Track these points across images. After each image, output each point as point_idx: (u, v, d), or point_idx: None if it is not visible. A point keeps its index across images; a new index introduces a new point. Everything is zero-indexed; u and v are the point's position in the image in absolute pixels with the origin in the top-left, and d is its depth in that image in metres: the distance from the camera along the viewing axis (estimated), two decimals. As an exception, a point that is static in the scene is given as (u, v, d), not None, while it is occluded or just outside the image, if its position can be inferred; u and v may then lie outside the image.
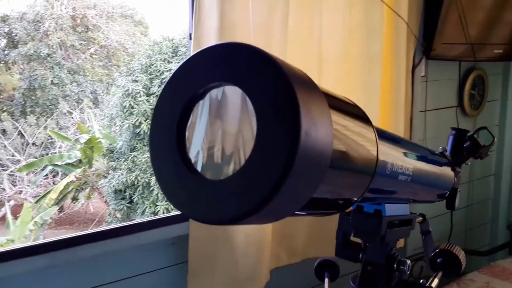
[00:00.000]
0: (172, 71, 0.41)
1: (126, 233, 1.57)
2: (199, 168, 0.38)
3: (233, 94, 0.37)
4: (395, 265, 0.70)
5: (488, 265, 2.28)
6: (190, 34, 1.54)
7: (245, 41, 1.51)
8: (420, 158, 0.71)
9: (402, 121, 2.09)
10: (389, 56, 1.94)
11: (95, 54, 10.21)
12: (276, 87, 0.35)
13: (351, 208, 0.65)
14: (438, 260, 0.81)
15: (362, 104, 1.93)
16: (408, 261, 0.70)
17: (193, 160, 0.39)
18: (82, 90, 9.87)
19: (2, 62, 9.78)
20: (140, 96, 6.62)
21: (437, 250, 0.82)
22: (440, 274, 0.79)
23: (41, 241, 1.46)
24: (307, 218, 1.86)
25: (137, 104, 6.63)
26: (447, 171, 0.84)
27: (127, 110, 6.71)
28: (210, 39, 1.51)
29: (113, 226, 1.63)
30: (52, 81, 9.63)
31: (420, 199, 0.78)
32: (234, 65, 0.37)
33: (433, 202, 0.86)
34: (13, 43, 9.64)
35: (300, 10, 1.66)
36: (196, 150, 0.39)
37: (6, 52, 9.72)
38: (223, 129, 0.38)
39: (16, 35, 9.58)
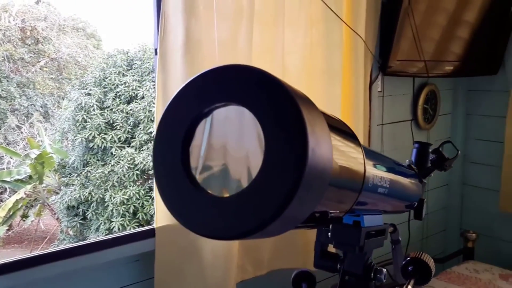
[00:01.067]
0: (178, 90, 0.42)
1: (89, 251, 1.54)
2: (204, 185, 0.39)
3: (239, 114, 0.39)
4: (372, 274, 0.72)
5: (444, 271, 2.37)
6: (156, 50, 1.54)
7: (210, 56, 1.54)
8: (394, 171, 0.75)
9: (361, 134, 2.15)
10: (349, 72, 2.01)
11: (46, 67, 9.93)
12: (285, 108, 0.36)
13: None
14: (409, 268, 0.85)
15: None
16: (384, 270, 0.73)
17: (197, 177, 0.40)
18: (32, 104, 9.56)
19: None
20: (93, 110, 6.48)
21: (408, 258, 0.86)
22: (412, 281, 0.82)
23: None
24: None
25: (90, 118, 6.47)
26: (415, 182, 0.88)
27: (79, 124, 6.54)
28: (176, 55, 1.52)
29: (75, 244, 1.60)
30: (0, 95, 9.28)
31: (394, 209, 0.81)
32: (242, 87, 0.38)
33: (403, 212, 0.90)
34: (-43, 55, 9.25)
35: (264, 27, 1.70)
36: (201, 167, 0.40)
37: (-51, 64, 9.31)
38: (228, 148, 0.39)
39: (-41, 47, 9.20)
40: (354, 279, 0.72)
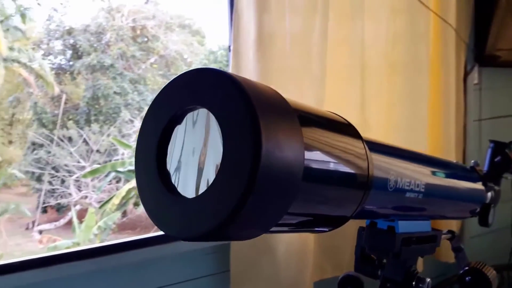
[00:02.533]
0: (155, 95, 0.43)
1: (167, 241, 1.61)
2: (177, 187, 0.40)
3: (205, 116, 0.39)
4: (413, 283, 0.68)
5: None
6: (229, 47, 1.56)
7: (282, 52, 1.53)
8: (436, 174, 0.69)
9: (453, 131, 2.02)
10: (437, 64, 1.89)
11: (155, 64, 10.54)
12: (238, 107, 0.35)
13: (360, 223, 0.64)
14: (466, 278, 0.78)
15: (409, 114, 1.89)
16: (428, 280, 0.68)
17: (173, 180, 0.40)
18: (143, 99, 10.22)
19: (68, 73, 10.30)
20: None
21: (466, 268, 0.79)
22: (468, 293, 0.76)
23: (86, 246, 1.53)
24: (352, 231, 1.83)
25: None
26: (473, 186, 0.81)
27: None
28: (248, 51, 1.53)
29: (154, 234, 1.68)
30: (114, 91, 10.04)
31: (440, 215, 0.75)
32: (204, 89, 0.38)
33: (464, 218, 0.83)
34: (77, 54, 10.14)
35: (340, 19, 1.65)
36: (173, 170, 0.40)
37: (71, 63, 10.24)
38: (197, 150, 0.39)
39: (80, 47, 10.07)
40: (395, 286, 0.68)
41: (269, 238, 1.64)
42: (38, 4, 9.59)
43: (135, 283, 1.57)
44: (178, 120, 0.41)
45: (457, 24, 1.88)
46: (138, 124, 9.72)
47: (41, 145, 9.67)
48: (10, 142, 10.22)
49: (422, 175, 0.62)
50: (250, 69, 1.54)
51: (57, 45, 10.46)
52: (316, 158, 0.42)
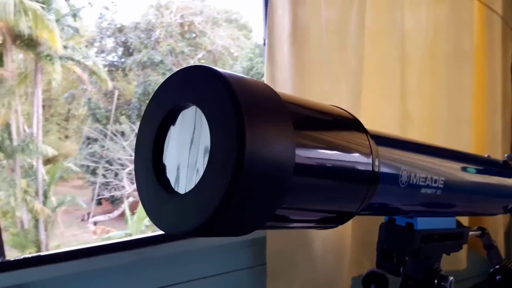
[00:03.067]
0: (152, 93, 0.44)
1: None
2: (172, 184, 0.40)
3: (196, 113, 0.39)
4: (435, 281, 0.66)
5: None
6: (264, 41, 1.56)
7: (318, 45, 1.51)
8: (458, 169, 0.66)
9: (500, 124, 1.93)
10: (482, 54, 1.81)
11: (203, 59, 10.69)
12: (224, 104, 0.35)
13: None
14: (497, 277, 0.75)
15: (452, 107, 1.81)
16: (451, 278, 0.66)
17: (168, 177, 0.41)
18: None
19: (120, 70, 10.61)
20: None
21: (497, 266, 0.76)
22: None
23: (125, 238, 1.58)
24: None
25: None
26: (505, 181, 0.77)
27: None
28: (283, 45, 1.52)
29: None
30: (164, 86, 10.24)
31: (467, 212, 0.72)
32: (194, 86, 0.38)
33: (495, 215, 0.80)
34: (128, 51, 10.43)
35: (379, 7, 1.61)
36: (168, 167, 0.41)
37: (122, 60, 10.55)
38: (188, 147, 0.39)
39: (131, 44, 10.36)
40: (417, 284, 0.66)
41: (305, 233, 1.63)
42: (89, 3, 9.92)
43: (174, 274, 1.61)
44: (172, 118, 0.41)
45: (504, 11, 1.79)
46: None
47: (96, 140, 10.05)
48: (66, 136, 10.67)
49: (440, 170, 0.60)
50: (285, 63, 1.54)
51: (109, 42, 10.81)
52: (309, 153, 0.41)
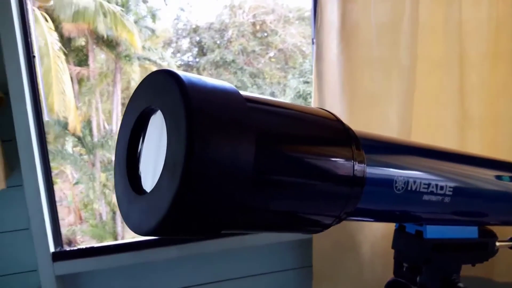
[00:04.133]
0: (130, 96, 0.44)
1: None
2: (141, 185, 0.41)
3: (160, 116, 0.39)
4: (452, 292, 0.61)
5: None
6: (313, 39, 1.54)
7: (367, 42, 1.47)
8: (470, 175, 0.60)
9: None
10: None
11: (273, 58, 10.73)
12: (178, 106, 0.35)
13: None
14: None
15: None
16: (468, 289, 0.61)
17: (139, 177, 0.41)
18: (261, 93, 10.48)
19: (195, 69, 10.91)
20: (310, 98, 6.77)
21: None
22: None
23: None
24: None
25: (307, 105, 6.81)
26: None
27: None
28: (331, 42, 1.49)
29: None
30: (235, 85, 10.43)
31: (488, 220, 0.66)
32: (158, 90, 0.38)
33: None
34: (202, 51, 10.69)
35: (433, 3, 1.53)
36: (141, 168, 0.41)
37: (197, 59, 10.84)
38: (155, 149, 0.39)
39: (205, 44, 10.61)
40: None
41: (353, 236, 1.59)
42: (166, 4, 10.27)
43: (221, 271, 1.63)
44: (145, 120, 0.41)
45: None
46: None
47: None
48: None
49: (449, 176, 0.55)
50: (333, 61, 1.51)
51: (185, 43, 11.13)
52: (272, 154, 0.40)
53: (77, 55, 9.47)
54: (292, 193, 0.42)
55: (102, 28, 8.58)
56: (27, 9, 1.40)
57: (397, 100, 1.50)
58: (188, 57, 11.18)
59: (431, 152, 0.58)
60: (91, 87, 9.07)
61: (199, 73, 9.13)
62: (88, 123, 9.24)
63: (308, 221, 0.46)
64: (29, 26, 1.41)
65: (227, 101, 0.38)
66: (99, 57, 9.92)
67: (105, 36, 8.80)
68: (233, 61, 10.42)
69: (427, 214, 0.56)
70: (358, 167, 0.45)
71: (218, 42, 10.65)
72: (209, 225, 0.38)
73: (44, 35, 8.43)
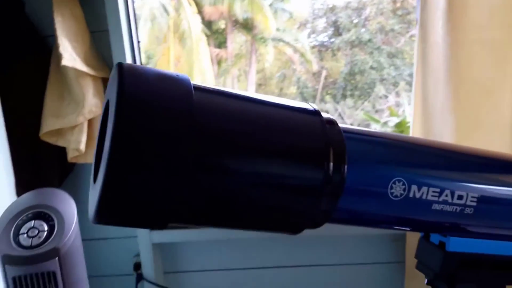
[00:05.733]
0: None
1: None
2: (98, 174, 0.41)
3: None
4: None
5: None
6: (417, 19, 1.42)
7: (477, 24, 1.32)
8: (493, 181, 0.49)
9: None
10: None
11: (414, 37, 10.14)
12: (116, 89, 0.35)
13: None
14: None
15: None
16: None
17: (99, 167, 0.41)
18: (399, 74, 10.00)
19: (329, 50, 10.79)
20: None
21: None
22: None
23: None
24: None
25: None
26: None
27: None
28: (437, 23, 1.37)
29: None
30: (371, 65, 10.09)
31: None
32: (113, 83, 0.38)
33: None
34: (338, 31, 10.50)
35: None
36: (102, 159, 0.42)
37: (332, 40, 10.69)
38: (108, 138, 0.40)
39: (341, 23, 10.40)
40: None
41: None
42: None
43: (313, 255, 1.61)
44: (106, 114, 0.42)
45: None
46: (392, 99, 9.58)
47: (301, 117, 10.46)
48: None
49: (471, 182, 0.46)
50: (438, 42, 1.38)
51: (321, 23, 11.03)
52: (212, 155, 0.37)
53: (216, 37, 9.95)
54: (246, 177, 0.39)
55: (239, 11, 8.88)
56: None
57: (512, 89, 1.33)
58: (323, 38, 11.08)
59: (445, 151, 0.50)
60: (227, 68, 9.46)
61: (333, 54, 8.99)
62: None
63: (284, 216, 0.42)
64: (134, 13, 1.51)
65: (170, 86, 0.36)
66: (238, 39, 10.30)
67: (242, 19, 9.10)
68: (369, 40, 10.08)
69: (440, 225, 0.48)
70: (332, 166, 0.41)
71: (354, 21, 10.37)
72: (156, 214, 0.37)
73: (187, 18, 8.99)
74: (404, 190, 0.44)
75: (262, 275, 1.63)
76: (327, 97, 10.47)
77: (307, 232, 1.42)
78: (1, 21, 1.44)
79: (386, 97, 9.76)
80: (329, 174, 0.41)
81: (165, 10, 9.07)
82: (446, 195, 0.45)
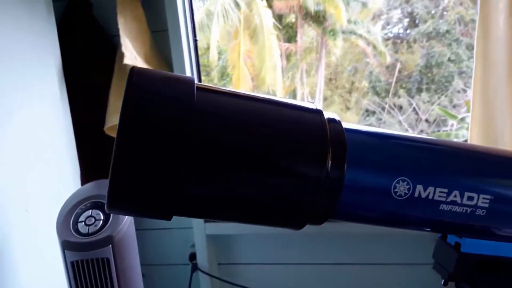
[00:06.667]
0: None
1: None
2: None
3: None
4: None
5: None
6: (477, 12, 1.36)
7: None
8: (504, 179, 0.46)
9: None
10: None
11: (496, 27, 9.57)
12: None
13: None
14: None
15: None
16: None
17: None
18: (480, 67, 9.48)
19: (404, 42, 10.44)
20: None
21: None
22: None
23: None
24: None
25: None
26: None
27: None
28: (498, 17, 1.30)
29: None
30: (449, 57, 9.66)
31: None
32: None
33: None
34: (414, 22, 10.13)
35: None
36: None
37: (407, 31, 10.33)
38: None
39: (417, 14, 10.02)
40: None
41: None
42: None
43: (360, 253, 1.60)
44: None
45: None
46: (470, 94, 9.12)
47: (373, 112, 10.24)
48: (348, 108, 11.18)
49: (481, 184, 0.45)
50: (500, 37, 1.32)
51: (396, 14, 10.70)
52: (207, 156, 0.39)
53: (287, 31, 9.94)
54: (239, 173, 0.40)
55: (311, 4, 8.81)
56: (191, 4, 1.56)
57: None
58: (398, 29, 10.74)
59: (454, 150, 0.48)
60: (296, 62, 9.43)
61: (409, 46, 8.67)
62: (293, 97, 9.68)
63: (283, 209, 0.43)
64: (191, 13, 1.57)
65: (174, 84, 0.39)
66: (309, 33, 10.23)
67: (313, 12, 9.02)
68: (447, 31, 9.64)
69: (449, 226, 0.47)
70: (329, 165, 0.41)
71: (432, 12, 9.96)
72: (159, 205, 0.39)
73: (259, 13, 9.06)
74: (408, 189, 0.43)
75: (315, 271, 1.64)
76: (401, 91, 10.15)
77: (356, 230, 1.40)
78: (72, 22, 1.55)
79: (464, 91, 9.31)
80: (327, 171, 0.41)
81: (237, 5, 9.19)
82: (454, 196, 0.44)
